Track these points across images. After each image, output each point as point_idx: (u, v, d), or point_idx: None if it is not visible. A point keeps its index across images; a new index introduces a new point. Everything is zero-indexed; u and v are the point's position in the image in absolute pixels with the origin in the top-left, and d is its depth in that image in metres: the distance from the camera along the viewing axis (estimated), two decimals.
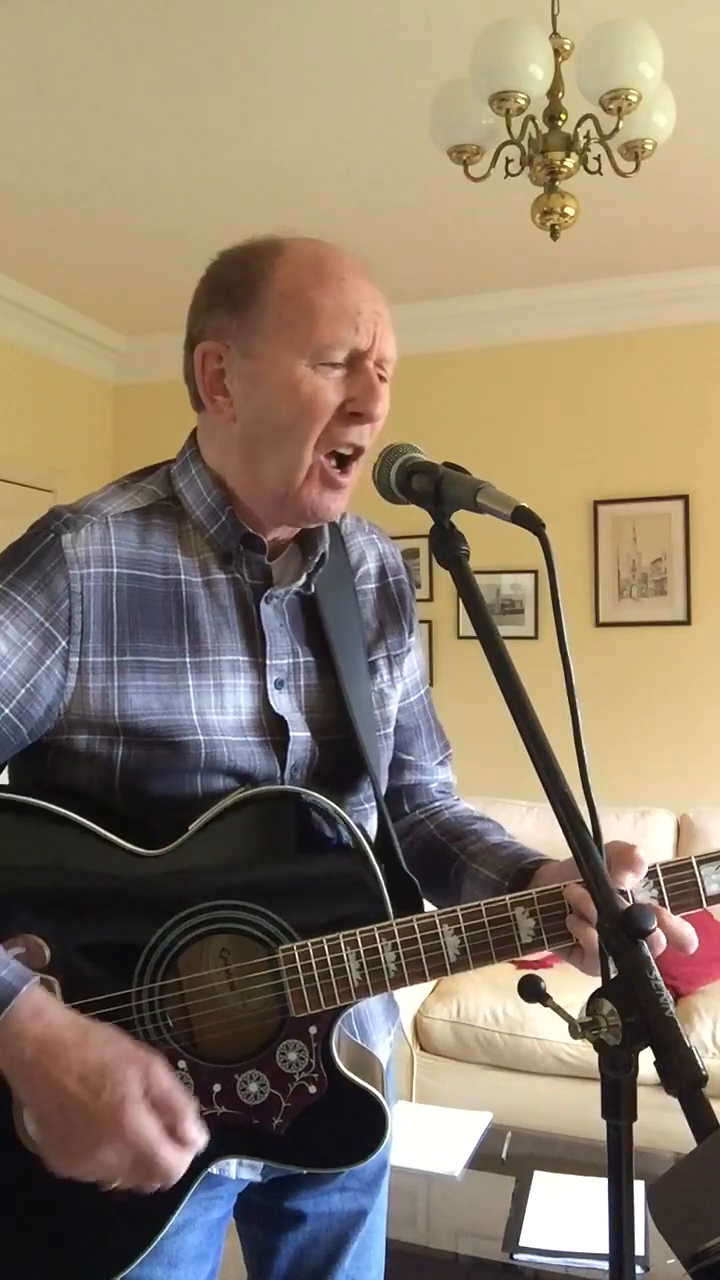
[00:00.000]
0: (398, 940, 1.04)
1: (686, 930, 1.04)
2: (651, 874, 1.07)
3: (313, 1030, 1.05)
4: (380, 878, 1.07)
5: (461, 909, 1.06)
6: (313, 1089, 1.05)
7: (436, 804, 1.34)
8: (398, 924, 1.05)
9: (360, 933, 1.04)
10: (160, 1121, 0.93)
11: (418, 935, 1.05)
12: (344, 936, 1.04)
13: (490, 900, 1.07)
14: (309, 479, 1.09)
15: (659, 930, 1.01)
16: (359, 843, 1.07)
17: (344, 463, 1.11)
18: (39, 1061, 0.93)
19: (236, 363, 1.09)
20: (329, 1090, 1.06)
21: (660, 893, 1.07)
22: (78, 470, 4.75)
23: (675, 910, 1.06)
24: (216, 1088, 1.05)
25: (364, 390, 1.07)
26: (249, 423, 1.10)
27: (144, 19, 2.59)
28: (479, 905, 1.06)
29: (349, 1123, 1.07)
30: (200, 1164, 1.04)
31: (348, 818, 1.07)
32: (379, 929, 1.05)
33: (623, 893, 1.03)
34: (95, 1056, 0.93)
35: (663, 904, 1.06)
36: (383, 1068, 1.17)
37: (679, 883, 1.07)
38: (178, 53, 2.73)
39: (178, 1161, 0.94)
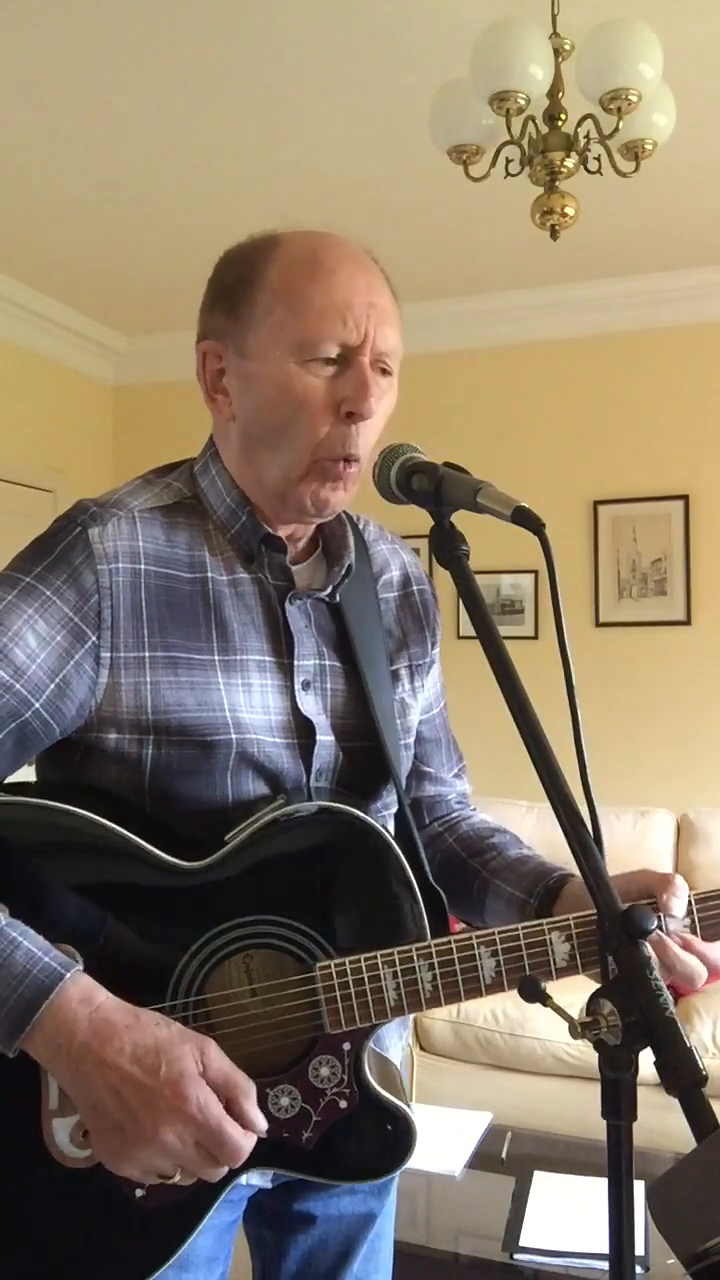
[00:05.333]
0: (435, 961, 1.04)
1: (696, 965, 1.03)
2: None
3: (346, 1046, 1.05)
4: (419, 898, 1.06)
5: (499, 932, 1.05)
6: (343, 1104, 1.05)
7: (455, 815, 1.33)
8: (435, 945, 1.04)
9: (399, 952, 1.04)
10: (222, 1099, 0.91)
11: (455, 957, 1.04)
12: (382, 956, 1.03)
13: (527, 924, 1.06)
14: (307, 476, 1.08)
15: (667, 962, 1.02)
16: (397, 860, 1.06)
17: (347, 462, 1.09)
18: (89, 1046, 0.90)
19: (233, 362, 1.09)
20: (359, 1105, 1.05)
21: (692, 921, 1.07)
22: (77, 470, 4.74)
23: (707, 938, 1.06)
24: None
25: (355, 387, 1.04)
26: (247, 421, 1.10)
27: (144, 19, 2.59)
28: (516, 929, 1.05)
29: (376, 1137, 1.07)
30: (231, 1174, 1.02)
31: (386, 835, 1.06)
32: (417, 949, 1.04)
33: (671, 916, 1.05)
34: (149, 1037, 0.92)
35: (694, 932, 1.07)
36: (400, 1075, 1.17)
37: (711, 911, 1.08)
38: (178, 53, 2.73)
39: (245, 1140, 0.91)
